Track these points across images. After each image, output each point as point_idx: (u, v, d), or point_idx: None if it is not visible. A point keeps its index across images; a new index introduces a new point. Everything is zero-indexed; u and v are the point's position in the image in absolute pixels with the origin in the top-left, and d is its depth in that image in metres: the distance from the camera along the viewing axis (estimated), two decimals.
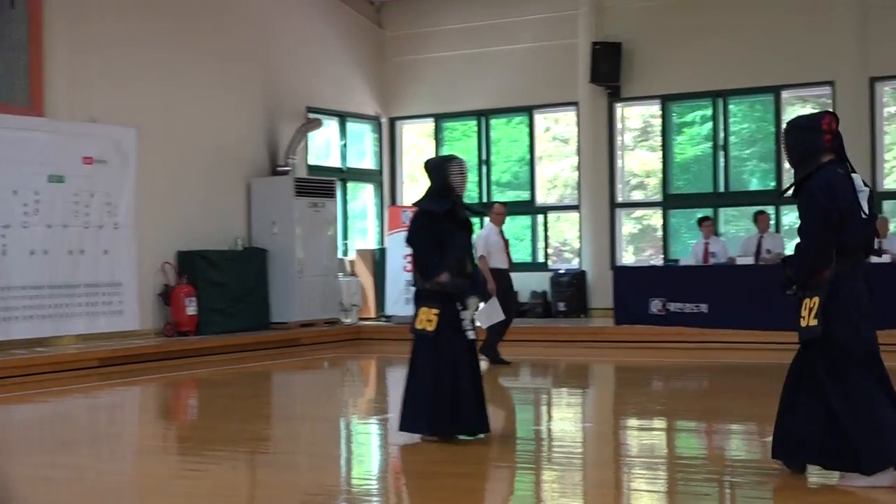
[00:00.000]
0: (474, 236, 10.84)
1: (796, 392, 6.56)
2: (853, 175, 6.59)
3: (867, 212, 6.58)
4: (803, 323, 6.44)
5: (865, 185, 6.62)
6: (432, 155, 20.79)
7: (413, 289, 8.57)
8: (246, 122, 18.54)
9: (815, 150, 6.51)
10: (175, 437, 9.83)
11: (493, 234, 13.94)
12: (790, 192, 6.63)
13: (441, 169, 8.26)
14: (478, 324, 13.43)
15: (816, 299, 6.38)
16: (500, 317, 13.56)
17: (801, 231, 6.56)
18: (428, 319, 8.12)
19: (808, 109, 21.36)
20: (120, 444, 9.34)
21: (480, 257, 13.85)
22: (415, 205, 8.55)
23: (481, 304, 12.90)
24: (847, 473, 6.35)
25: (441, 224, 8.16)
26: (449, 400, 8.03)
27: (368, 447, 8.99)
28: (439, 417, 8.04)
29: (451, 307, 8.18)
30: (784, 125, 6.86)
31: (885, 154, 18.64)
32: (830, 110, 7.00)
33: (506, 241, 13.93)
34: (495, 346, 13.67)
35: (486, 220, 14.24)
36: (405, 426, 8.20)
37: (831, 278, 6.39)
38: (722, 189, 18.96)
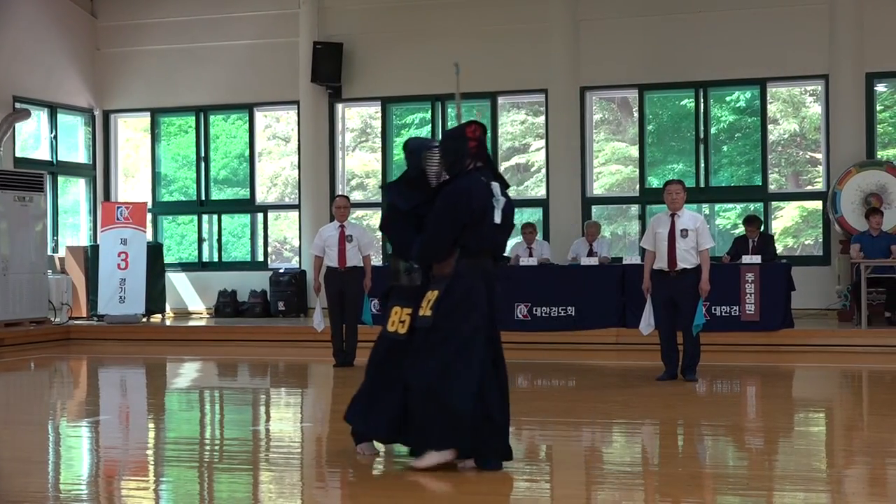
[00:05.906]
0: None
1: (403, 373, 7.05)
2: (493, 184, 7.01)
3: (500, 219, 6.96)
4: (421, 312, 6.90)
5: (504, 194, 7.03)
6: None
7: None
8: None
9: (462, 156, 6.97)
10: None
11: (328, 231, 13.34)
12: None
13: (417, 156, 7.32)
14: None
15: (436, 293, 6.85)
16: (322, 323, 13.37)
17: (428, 224, 6.94)
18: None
19: (522, 116, 22.11)
20: None
21: (315, 256, 13.45)
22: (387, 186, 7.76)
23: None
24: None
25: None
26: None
27: (79, 451, 8.62)
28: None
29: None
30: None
31: (594, 160, 19.45)
32: (477, 120, 7.38)
33: (344, 237, 13.10)
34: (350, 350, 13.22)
35: None
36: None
37: (451, 275, 6.86)
38: None
